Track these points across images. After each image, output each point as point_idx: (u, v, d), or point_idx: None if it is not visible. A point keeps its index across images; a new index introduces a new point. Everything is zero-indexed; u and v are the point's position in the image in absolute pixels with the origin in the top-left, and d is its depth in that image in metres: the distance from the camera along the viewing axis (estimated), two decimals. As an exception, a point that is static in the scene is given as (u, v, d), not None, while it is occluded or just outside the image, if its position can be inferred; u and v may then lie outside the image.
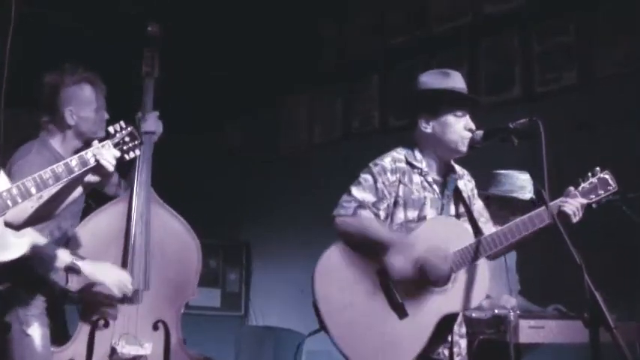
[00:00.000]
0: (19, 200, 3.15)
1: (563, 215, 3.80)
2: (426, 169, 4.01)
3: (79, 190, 3.54)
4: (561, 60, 6.93)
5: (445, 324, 3.88)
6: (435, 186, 4.00)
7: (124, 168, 3.82)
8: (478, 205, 4.16)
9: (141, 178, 4.34)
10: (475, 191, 4.19)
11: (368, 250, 3.85)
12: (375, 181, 3.93)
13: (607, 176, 3.98)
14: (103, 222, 4.26)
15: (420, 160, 4.02)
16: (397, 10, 8.48)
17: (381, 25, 8.62)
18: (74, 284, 4.09)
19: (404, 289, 3.81)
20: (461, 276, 3.85)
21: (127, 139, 3.49)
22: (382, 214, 3.92)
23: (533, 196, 4.92)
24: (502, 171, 5.23)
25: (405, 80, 8.18)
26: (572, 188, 3.87)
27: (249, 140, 10.19)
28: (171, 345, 4.29)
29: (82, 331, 4.16)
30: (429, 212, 3.97)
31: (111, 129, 3.48)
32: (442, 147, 4.00)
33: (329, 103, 9.15)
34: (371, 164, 4.01)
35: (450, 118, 3.97)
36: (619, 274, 5.57)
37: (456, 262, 3.80)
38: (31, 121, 4.16)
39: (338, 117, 8.99)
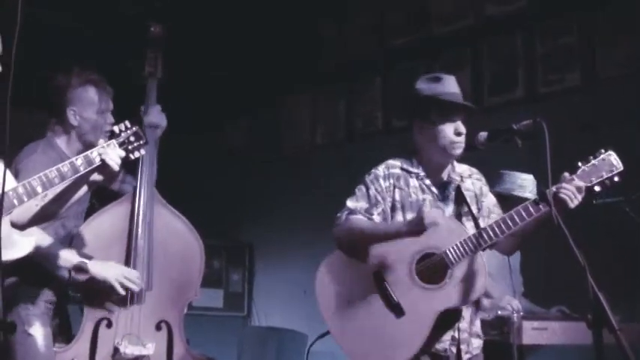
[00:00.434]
0: (25, 199, 3.15)
1: (559, 201, 3.71)
2: (422, 173, 4.06)
3: (84, 189, 3.55)
4: (564, 61, 6.93)
5: (448, 319, 3.92)
6: (433, 188, 4.04)
7: (131, 164, 3.83)
8: (488, 202, 4.16)
9: (144, 177, 4.34)
10: (485, 188, 4.20)
11: (362, 251, 3.95)
12: (368, 189, 4.03)
13: (611, 157, 3.83)
14: (107, 222, 4.27)
15: (416, 165, 4.08)
16: (398, 11, 8.48)
17: (382, 25, 8.62)
18: (78, 282, 4.10)
19: (399, 287, 3.89)
20: (458, 271, 3.86)
21: (131, 138, 3.51)
22: (377, 218, 3.99)
23: (536, 197, 4.92)
24: (506, 171, 5.24)
25: (406, 81, 8.18)
26: (567, 173, 3.80)
27: (251, 140, 10.18)
28: (174, 345, 4.28)
29: (85, 331, 4.16)
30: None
31: (116, 128, 3.49)
32: (435, 151, 4.03)
33: (331, 103, 9.14)
34: (365, 175, 4.10)
35: (437, 122, 4.00)
36: (622, 275, 5.57)
37: (451, 257, 3.84)
38: (30, 121, 4.16)
39: (341, 118, 8.98)
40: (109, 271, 4.10)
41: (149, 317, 4.25)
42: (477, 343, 4.08)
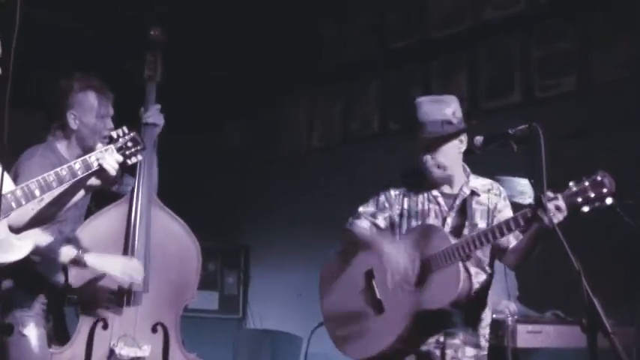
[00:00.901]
0: (23, 202, 3.16)
1: (536, 218, 3.78)
2: (429, 185, 4.25)
3: (81, 192, 3.56)
4: (560, 65, 6.94)
5: (435, 322, 4.10)
6: (440, 199, 4.23)
7: (130, 165, 3.84)
8: (501, 217, 4.17)
9: (142, 179, 4.35)
10: (501, 204, 4.26)
11: (356, 250, 4.33)
12: (378, 196, 4.34)
13: (603, 179, 3.73)
14: (104, 224, 4.27)
15: (423, 178, 4.26)
16: (397, 14, 8.50)
17: (381, 27, 8.63)
18: (74, 282, 4.11)
19: (383, 287, 4.17)
20: (436, 277, 4.02)
21: (129, 144, 3.52)
22: (381, 222, 4.29)
23: (532, 202, 4.94)
24: (502, 177, 5.24)
25: (404, 84, 8.22)
26: (550, 193, 3.77)
27: (249, 142, 10.19)
28: (170, 347, 4.29)
29: (81, 332, 4.16)
30: (432, 223, 4.22)
31: (114, 134, 3.50)
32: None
33: (328, 105, 9.16)
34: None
35: (417, 148, 4.22)
36: (617, 279, 5.58)
37: (432, 264, 4.02)
38: (29, 122, 4.17)
39: (337, 120, 9.00)
40: (108, 263, 4.11)
41: (145, 319, 4.25)
42: (471, 353, 4.16)
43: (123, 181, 4.45)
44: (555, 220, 3.66)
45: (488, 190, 4.28)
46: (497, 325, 4.76)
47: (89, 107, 4.27)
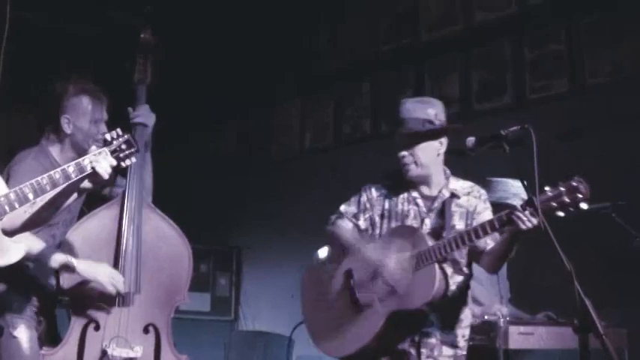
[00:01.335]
0: (17, 205, 3.15)
1: (511, 222, 3.81)
2: (408, 186, 4.32)
3: (74, 195, 3.55)
4: (552, 67, 6.96)
5: (409, 320, 4.14)
6: (419, 200, 4.31)
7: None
8: (481, 219, 4.18)
9: (133, 181, 4.35)
10: (481, 206, 4.29)
11: (338, 250, 4.41)
12: (360, 196, 4.42)
13: (578, 185, 3.68)
14: (95, 226, 4.26)
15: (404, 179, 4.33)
16: (389, 18, 8.51)
17: (374, 32, 8.64)
18: (65, 285, 4.10)
19: (362, 286, 4.25)
20: (414, 277, 4.07)
21: (123, 146, 3.51)
22: (362, 224, 4.38)
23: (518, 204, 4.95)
24: (495, 178, 5.25)
25: (396, 87, 8.23)
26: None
27: (241, 144, 10.19)
28: (162, 349, 4.28)
29: (73, 333, 4.15)
30: (411, 224, 4.29)
31: (107, 136, 3.49)
32: None
33: (321, 107, 9.16)
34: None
35: (396, 145, 4.28)
36: (608, 280, 5.60)
37: (411, 264, 4.07)
38: (26, 124, 4.16)
39: (329, 122, 9.00)
40: (99, 270, 4.10)
41: (137, 320, 4.25)
42: (448, 352, 4.22)
43: (116, 182, 4.44)
44: (529, 225, 3.72)
45: (469, 193, 4.32)
46: (489, 327, 4.77)
47: (83, 112, 4.27)
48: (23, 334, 4.08)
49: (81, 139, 4.24)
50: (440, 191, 4.29)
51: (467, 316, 4.33)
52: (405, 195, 4.31)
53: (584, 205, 3.70)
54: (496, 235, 4.08)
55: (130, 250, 4.25)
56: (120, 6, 8.18)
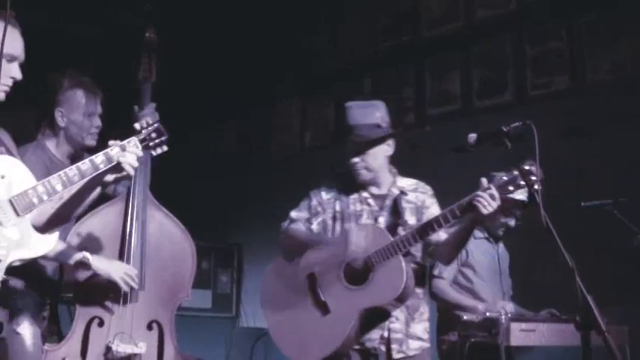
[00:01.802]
0: (45, 197, 3.12)
1: (473, 208, 3.94)
2: (359, 187, 4.41)
3: (98, 190, 3.50)
4: (553, 64, 6.96)
5: (376, 319, 4.23)
6: (370, 200, 4.40)
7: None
8: (429, 214, 4.33)
9: (138, 178, 4.35)
10: (429, 201, 4.43)
11: (299, 255, 4.38)
12: (310, 201, 4.51)
13: (530, 167, 3.80)
14: (100, 222, 4.26)
15: (354, 179, 4.41)
16: (390, 15, 8.51)
17: (374, 29, 8.64)
18: (71, 281, 4.11)
19: (327, 288, 4.27)
20: (378, 273, 4.14)
21: (153, 135, 3.47)
22: (315, 227, 4.46)
23: (525, 199, 4.96)
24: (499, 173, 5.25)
25: (397, 84, 8.23)
26: (484, 180, 4.00)
27: (241, 144, 10.19)
28: (165, 345, 4.29)
29: (77, 329, 4.16)
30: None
31: (137, 125, 3.43)
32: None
33: (321, 105, 9.16)
34: (311, 190, 4.54)
35: (347, 151, 4.41)
36: (610, 277, 5.60)
37: (373, 261, 4.14)
38: (23, 125, 4.16)
39: (330, 120, 9.00)
40: (112, 267, 4.13)
41: (141, 317, 4.26)
42: (415, 345, 4.32)
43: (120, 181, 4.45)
44: (490, 209, 3.91)
45: (415, 189, 4.46)
46: (490, 323, 4.77)
47: (77, 105, 4.29)
48: (27, 330, 4.08)
49: (75, 133, 4.28)
50: (389, 189, 4.42)
51: (426, 310, 4.42)
52: (356, 196, 4.40)
53: (537, 186, 3.78)
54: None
55: (135, 247, 4.27)
56: (120, 6, 8.19)
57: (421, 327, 4.35)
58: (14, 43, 3.26)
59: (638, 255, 5.18)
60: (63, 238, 4.07)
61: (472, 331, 4.87)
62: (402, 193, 4.41)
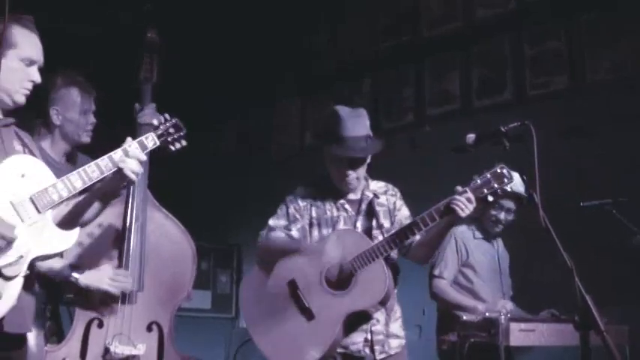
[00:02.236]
0: (65, 194, 3.13)
1: (451, 211, 4.04)
2: (335, 193, 4.44)
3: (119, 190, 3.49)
4: (552, 64, 6.97)
5: (358, 322, 4.27)
6: (347, 205, 4.43)
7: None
8: (401, 216, 4.45)
9: (138, 179, 4.34)
10: (399, 203, 4.50)
11: (276, 260, 4.37)
12: (287, 208, 4.50)
13: (502, 170, 4.06)
14: (99, 223, 4.25)
15: (329, 185, 4.46)
16: (390, 15, 8.51)
17: (374, 29, 8.65)
18: (69, 284, 4.11)
19: (309, 294, 4.26)
20: (361, 277, 4.17)
21: (171, 130, 3.48)
22: (295, 234, 4.42)
23: (523, 193, 4.97)
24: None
25: (397, 84, 8.24)
26: (459, 187, 4.08)
27: (241, 144, 10.19)
28: (165, 347, 4.29)
29: (77, 331, 4.15)
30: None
31: (155, 121, 3.45)
32: (334, 178, 4.43)
33: (321, 105, 9.16)
34: (286, 195, 4.56)
35: (334, 161, 4.38)
36: (610, 277, 5.60)
37: (355, 265, 4.17)
38: (22, 127, 4.16)
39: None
40: (101, 278, 4.12)
41: (140, 318, 4.25)
42: (395, 343, 4.38)
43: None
44: (467, 211, 4.02)
45: (385, 192, 4.52)
46: (490, 324, 4.77)
47: (72, 103, 4.30)
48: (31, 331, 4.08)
49: (71, 130, 4.29)
50: (363, 193, 4.46)
51: (399, 308, 4.46)
52: (332, 201, 4.43)
53: (508, 188, 4.13)
54: None
55: (134, 248, 4.26)
56: (120, 6, 8.19)
57: (397, 325, 4.42)
58: (34, 47, 3.36)
59: (638, 255, 5.19)
60: None
61: (472, 331, 4.87)
62: (375, 196, 4.46)
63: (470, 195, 4.03)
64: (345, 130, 4.31)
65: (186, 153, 3.61)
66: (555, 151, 5.58)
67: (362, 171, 4.37)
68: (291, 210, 4.46)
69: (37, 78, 3.34)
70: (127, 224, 4.28)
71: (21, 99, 3.34)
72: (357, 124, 4.35)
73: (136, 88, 4.56)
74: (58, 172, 3.30)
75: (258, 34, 9.04)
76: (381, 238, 4.27)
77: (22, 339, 3.35)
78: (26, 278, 3.12)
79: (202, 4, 8.46)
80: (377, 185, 4.53)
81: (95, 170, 3.22)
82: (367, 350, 4.29)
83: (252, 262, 9.43)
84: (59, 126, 4.29)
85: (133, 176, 3.29)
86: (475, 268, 5.45)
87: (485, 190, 4.07)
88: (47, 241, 3.16)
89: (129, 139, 3.38)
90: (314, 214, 4.42)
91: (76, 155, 4.38)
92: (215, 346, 8.49)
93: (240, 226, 9.64)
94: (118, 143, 3.38)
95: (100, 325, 4.18)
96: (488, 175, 4.07)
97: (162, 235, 4.40)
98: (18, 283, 3.05)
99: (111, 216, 4.28)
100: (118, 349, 4.12)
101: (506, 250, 5.69)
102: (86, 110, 4.35)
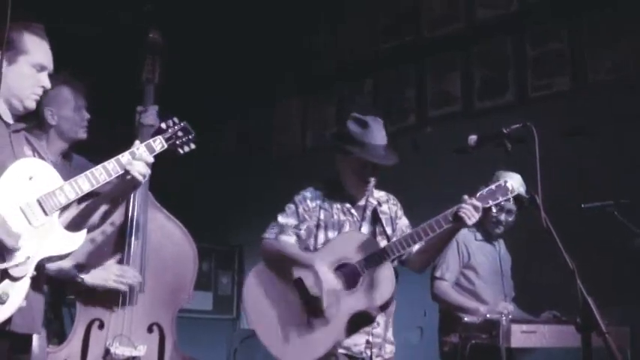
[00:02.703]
0: (72, 197, 3.16)
1: (457, 218, 4.16)
2: (344, 198, 4.52)
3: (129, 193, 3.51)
4: (554, 65, 6.96)
5: (361, 323, 4.33)
6: (353, 210, 4.51)
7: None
8: (402, 224, 4.57)
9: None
10: (400, 212, 4.62)
11: (284, 266, 4.40)
12: (297, 207, 4.54)
13: (507, 185, 4.25)
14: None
15: (339, 189, 4.53)
16: (390, 15, 8.51)
17: (374, 30, 8.64)
18: (72, 284, 4.11)
19: (317, 292, 4.26)
20: (368, 279, 4.29)
21: (179, 133, 3.50)
22: (304, 233, 4.48)
23: (524, 194, 4.95)
24: (502, 171, 5.24)
25: (398, 84, 8.23)
26: (466, 196, 4.17)
27: (241, 144, 10.18)
28: (166, 348, 4.28)
29: (78, 331, 4.15)
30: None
31: (163, 125, 3.47)
32: (351, 184, 4.49)
33: (322, 105, 9.17)
34: (295, 195, 4.61)
35: (355, 166, 4.42)
36: (611, 279, 5.60)
37: (364, 266, 4.27)
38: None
39: (331, 120, 9.00)
40: (107, 275, 4.13)
41: (141, 319, 4.24)
42: (389, 349, 4.49)
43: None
44: (474, 219, 4.15)
45: (387, 201, 4.63)
46: (491, 325, 4.76)
47: (65, 101, 4.32)
48: None
49: (67, 128, 4.31)
50: (367, 200, 4.54)
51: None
52: (339, 206, 4.49)
53: (511, 202, 4.45)
54: None
55: (135, 249, 4.26)
56: (120, 6, 8.18)
57: (391, 331, 4.51)
58: (45, 54, 3.42)
59: (639, 256, 5.18)
60: None
61: (473, 332, 4.86)
62: (379, 204, 4.54)
63: (477, 203, 4.15)
64: (371, 136, 4.37)
65: (188, 153, 3.61)
66: (557, 152, 5.57)
67: (377, 177, 4.45)
68: (301, 210, 4.51)
69: (48, 84, 3.39)
70: (129, 225, 4.27)
71: (32, 104, 3.39)
72: (380, 131, 4.41)
73: (137, 88, 4.55)
74: (57, 171, 3.31)
75: (258, 34, 9.03)
76: (383, 243, 4.36)
77: (28, 340, 3.35)
78: (35, 279, 3.13)
79: (202, 5, 8.46)
80: (379, 194, 4.60)
81: (102, 173, 3.25)
82: (368, 352, 4.34)
83: (254, 263, 9.52)
84: (55, 125, 4.29)
85: (140, 178, 3.34)
86: (477, 269, 5.44)
87: (490, 202, 4.22)
88: (54, 242, 3.19)
89: (137, 142, 3.41)
90: (322, 217, 4.47)
91: (70, 154, 4.38)
92: (216, 347, 8.48)
93: (241, 226, 9.63)
94: (118, 143, 3.39)
95: (101, 326, 4.17)
96: (493, 187, 4.23)
97: (164, 236, 4.39)
98: (25, 284, 3.07)
99: (112, 217, 4.27)
100: (119, 350, 4.12)
101: (508, 252, 5.68)
102: (80, 107, 4.38)
